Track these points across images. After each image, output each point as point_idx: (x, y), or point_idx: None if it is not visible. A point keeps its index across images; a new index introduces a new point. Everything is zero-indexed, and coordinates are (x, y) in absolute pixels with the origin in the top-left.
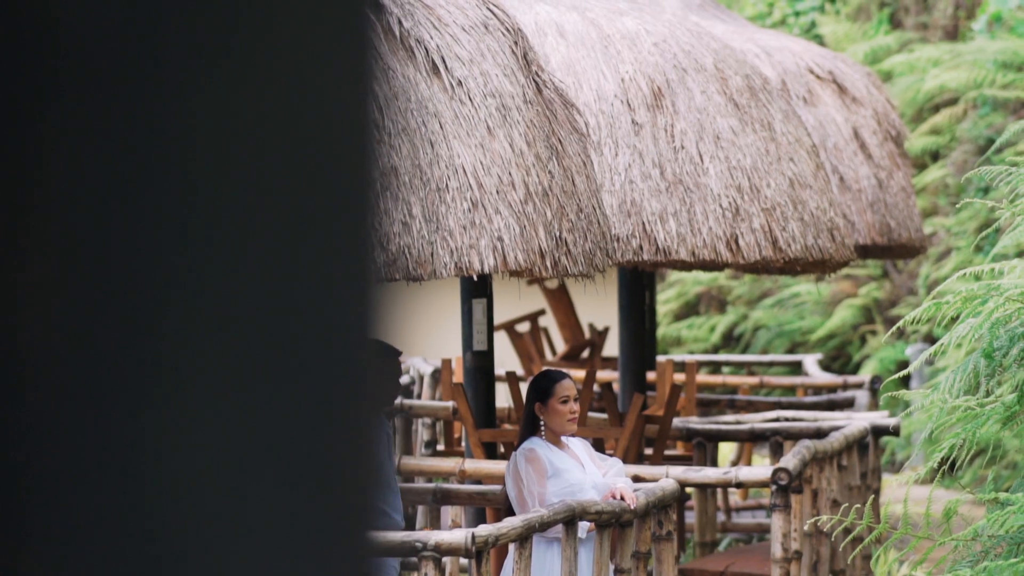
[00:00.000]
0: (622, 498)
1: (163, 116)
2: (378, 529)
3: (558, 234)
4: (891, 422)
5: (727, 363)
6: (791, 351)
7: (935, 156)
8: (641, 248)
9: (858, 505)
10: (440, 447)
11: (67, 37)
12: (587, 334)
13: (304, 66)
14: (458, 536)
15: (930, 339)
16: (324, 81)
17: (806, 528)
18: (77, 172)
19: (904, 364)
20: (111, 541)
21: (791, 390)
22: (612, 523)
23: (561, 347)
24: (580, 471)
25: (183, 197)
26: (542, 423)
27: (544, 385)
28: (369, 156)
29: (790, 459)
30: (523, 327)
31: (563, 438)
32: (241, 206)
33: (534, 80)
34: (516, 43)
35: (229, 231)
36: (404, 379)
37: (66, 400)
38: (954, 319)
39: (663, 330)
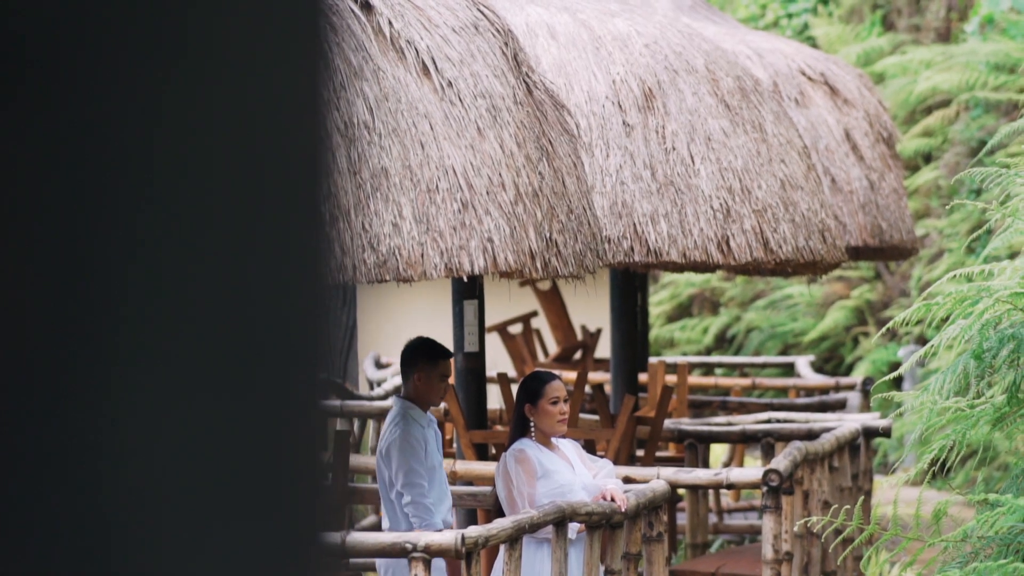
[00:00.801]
0: (612, 499)
1: (119, 113)
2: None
3: (548, 235)
4: (882, 423)
5: (719, 365)
6: (784, 353)
7: (927, 158)
8: (632, 249)
9: (849, 506)
10: None
11: (20, 33)
12: (579, 336)
13: (258, 67)
14: (448, 537)
15: (922, 340)
16: (277, 80)
17: (797, 529)
18: (33, 168)
19: (896, 365)
20: (66, 534)
21: (783, 392)
22: (602, 524)
23: (553, 349)
24: (570, 472)
25: (137, 197)
26: (532, 424)
27: (534, 386)
28: (322, 156)
29: (781, 460)
30: (515, 329)
31: (553, 439)
32: (193, 206)
33: (524, 81)
34: (507, 44)
35: (182, 228)
36: (396, 381)
37: (26, 395)
38: (945, 320)
39: (656, 332)
